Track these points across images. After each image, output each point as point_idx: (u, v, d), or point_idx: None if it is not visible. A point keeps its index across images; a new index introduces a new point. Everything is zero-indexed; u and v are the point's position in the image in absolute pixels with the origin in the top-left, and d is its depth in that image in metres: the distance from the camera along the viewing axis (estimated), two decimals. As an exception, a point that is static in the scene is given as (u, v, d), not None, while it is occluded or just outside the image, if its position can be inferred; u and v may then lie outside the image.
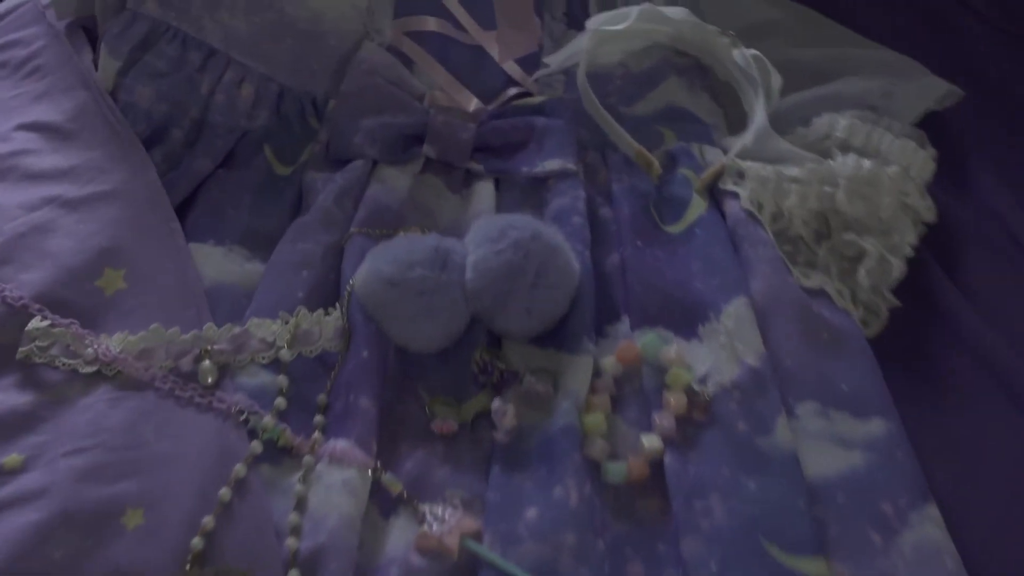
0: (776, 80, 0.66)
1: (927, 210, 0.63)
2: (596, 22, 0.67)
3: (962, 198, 0.68)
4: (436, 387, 0.54)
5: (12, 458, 0.47)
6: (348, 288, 0.55)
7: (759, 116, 0.63)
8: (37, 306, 0.52)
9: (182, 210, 0.60)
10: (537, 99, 0.66)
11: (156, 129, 0.63)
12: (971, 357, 0.57)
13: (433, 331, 0.53)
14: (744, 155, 0.64)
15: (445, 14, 0.68)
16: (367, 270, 0.53)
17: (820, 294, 0.58)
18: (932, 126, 0.68)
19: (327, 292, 0.56)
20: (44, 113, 0.61)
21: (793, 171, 0.60)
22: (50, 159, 0.59)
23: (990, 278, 0.62)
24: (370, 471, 0.48)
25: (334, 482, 0.47)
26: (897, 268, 0.59)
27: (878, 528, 0.47)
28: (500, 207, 0.62)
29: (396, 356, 0.54)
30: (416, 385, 0.53)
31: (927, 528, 0.48)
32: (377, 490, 0.48)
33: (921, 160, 0.64)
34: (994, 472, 0.51)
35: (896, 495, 0.49)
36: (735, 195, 0.61)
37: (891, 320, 0.58)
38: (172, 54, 0.63)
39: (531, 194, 0.62)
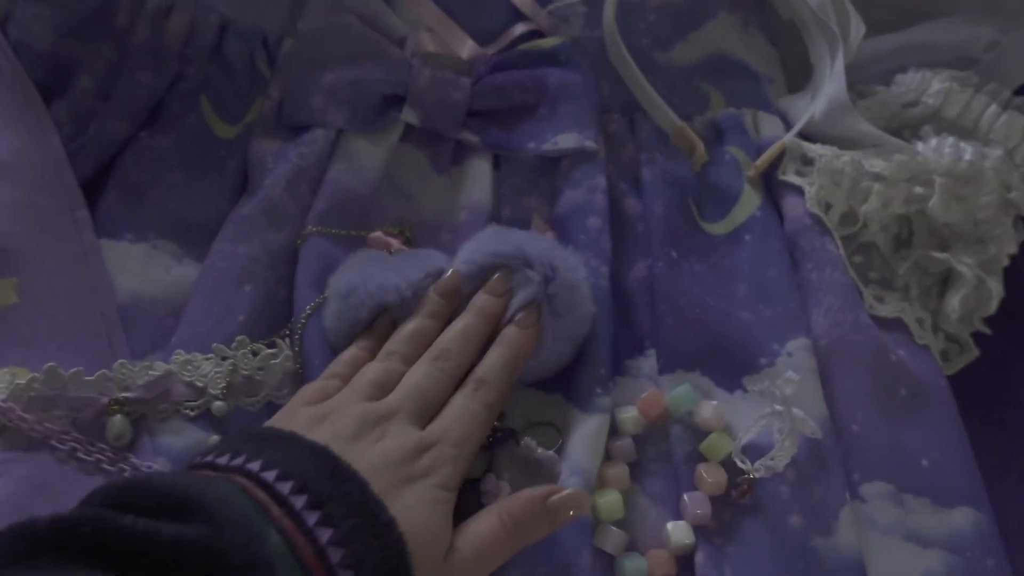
0: (858, 28, 0.51)
1: (1031, 203, 0.51)
2: (631, -59, 0.51)
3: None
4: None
5: None
6: (303, 319, 0.43)
7: (834, 82, 0.49)
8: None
9: (91, 191, 0.47)
10: (550, 41, 0.51)
11: (58, 76, 0.48)
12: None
13: None
14: (810, 129, 0.50)
15: (435, -76, 0.52)
16: (331, 312, 0.42)
17: (896, 325, 0.46)
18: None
19: (276, 312, 0.44)
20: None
21: (875, 163, 0.47)
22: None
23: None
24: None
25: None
26: (996, 294, 0.47)
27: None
28: (499, 194, 0.49)
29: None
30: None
31: (1020, 664, 0.38)
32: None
33: (1030, 141, 0.50)
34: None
35: (982, 615, 0.39)
36: (798, 190, 0.48)
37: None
38: (75, -26, 0.48)
39: (539, 178, 0.49)
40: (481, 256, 0.42)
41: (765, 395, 0.41)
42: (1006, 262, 0.49)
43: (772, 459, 0.40)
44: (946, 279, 0.49)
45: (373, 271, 0.42)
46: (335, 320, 0.42)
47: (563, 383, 0.43)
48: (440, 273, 0.42)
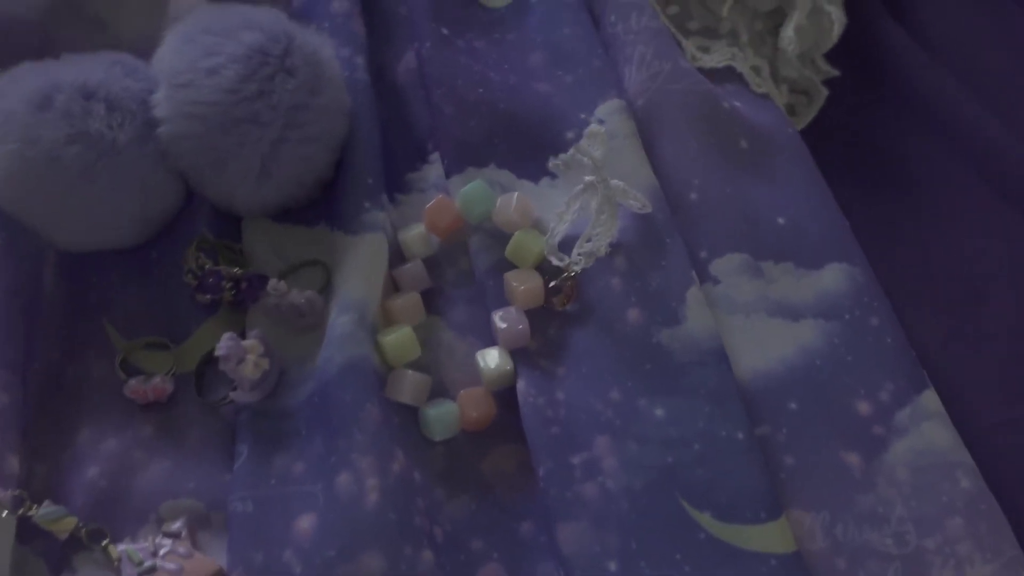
0: None
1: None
2: None
3: None
4: (135, 318, 0.32)
5: None
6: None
7: None
8: None
9: None
10: None
11: None
12: (944, 140, 0.39)
13: (118, 218, 0.31)
14: None
15: None
16: None
17: (727, 76, 0.38)
18: None
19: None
20: None
21: None
22: None
23: (956, 22, 0.43)
24: (6, 509, 0.28)
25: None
26: (838, 21, 0.39)
27: (854, 443, 0.30)
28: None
29: (58, 273, 0.32)
30: (100, 318, 0.32)
31: (926, 430, 0.31)
32: (34, 533, 0.28)
33: None
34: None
35: (875, 384, 0.31)
36: (586, -68, 0.39)
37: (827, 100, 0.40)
38: None
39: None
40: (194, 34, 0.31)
41: (572, 167, 0.32)
42: (848, -14, 0.41)
43: (589, 240, 0.31)
44: (780, 22, 0.40)
45: None
46: None
47: (325, 210, 0.34)
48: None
